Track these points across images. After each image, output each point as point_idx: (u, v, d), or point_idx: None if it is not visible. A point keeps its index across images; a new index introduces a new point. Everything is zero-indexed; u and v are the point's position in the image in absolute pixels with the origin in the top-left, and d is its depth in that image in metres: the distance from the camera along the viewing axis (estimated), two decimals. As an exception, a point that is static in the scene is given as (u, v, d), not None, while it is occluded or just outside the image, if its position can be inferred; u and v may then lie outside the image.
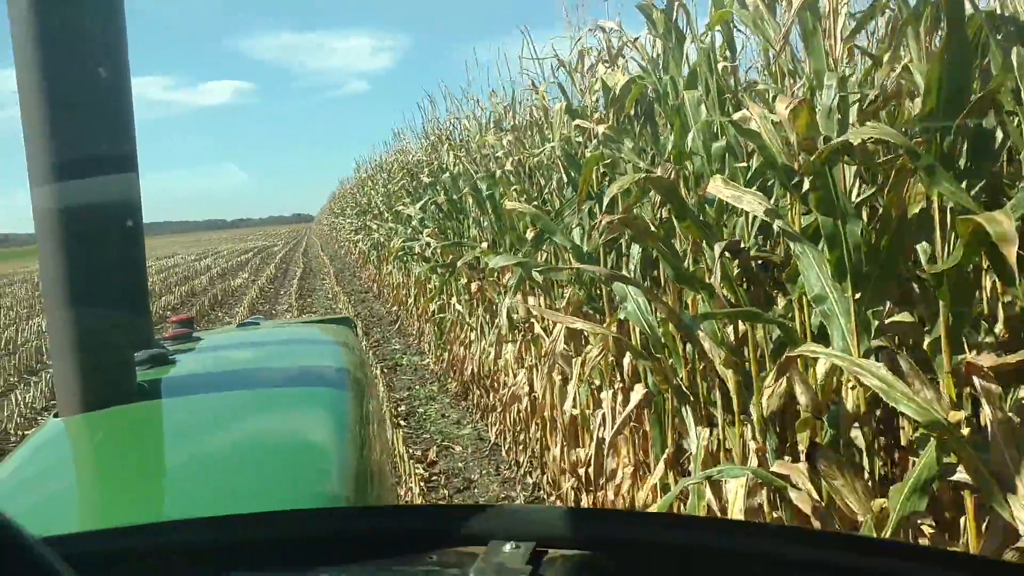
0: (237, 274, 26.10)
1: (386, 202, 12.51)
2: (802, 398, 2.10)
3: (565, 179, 3.97)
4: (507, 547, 0.66)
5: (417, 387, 8.41)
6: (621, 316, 3.16)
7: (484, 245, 5.79)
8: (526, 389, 5.08)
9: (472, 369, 6.88)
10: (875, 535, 1.83)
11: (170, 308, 17.08)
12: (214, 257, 39.85)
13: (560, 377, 4.33)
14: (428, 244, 7.50)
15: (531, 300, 4.78)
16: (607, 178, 3.44)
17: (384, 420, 6.18)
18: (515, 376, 5.28)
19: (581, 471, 4.08)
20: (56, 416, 1.44)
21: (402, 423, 7.05)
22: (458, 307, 7.15)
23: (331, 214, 37.36)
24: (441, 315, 7.75)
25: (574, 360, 4.06)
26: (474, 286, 6.16)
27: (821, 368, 2.18)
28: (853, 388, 2.10)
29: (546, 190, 4.28)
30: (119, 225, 1.47)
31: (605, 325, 3.49)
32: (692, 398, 2.78)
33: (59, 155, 1.40)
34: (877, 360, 1.89)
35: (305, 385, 1.64)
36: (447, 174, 6.99)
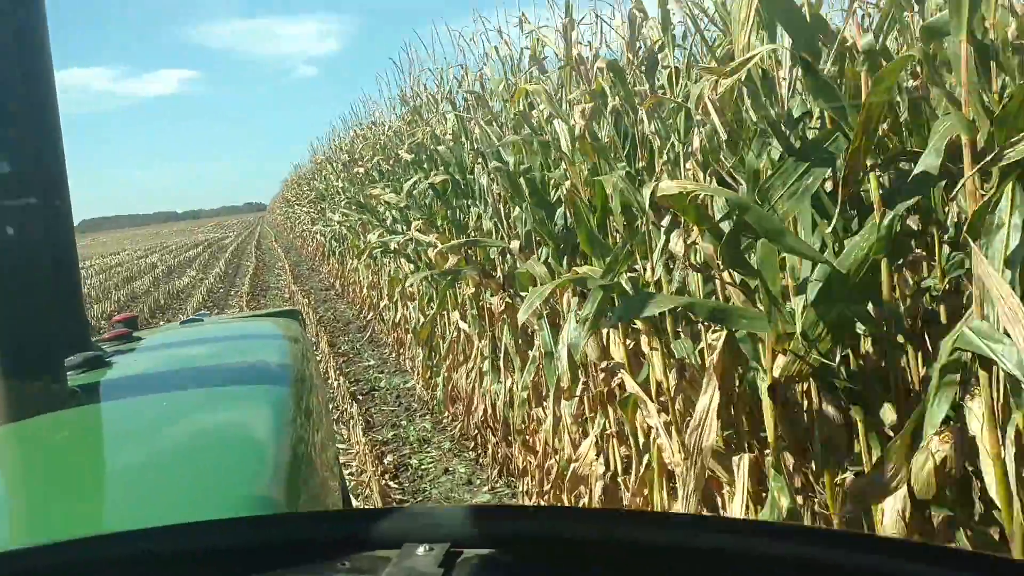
0: (184, 272, 23.87)
1: (349, 188, 10.58)
2: None
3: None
4: (420, 550, 0.65)
5: (404, 423, 6.57)
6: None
7: (515, 244, 3.95)
8: (599, 469, 3.28)
9: (485, 410, 5.07)
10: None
11: (106, 316, 14.97)
12: (162, 253, 37.35)
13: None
14: (417, 242, 5.61)
15: (616, 339, 2.96)
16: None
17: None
18: (575, 444, 3.48)
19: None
20: None
21: (391, 484, 5.21)
22: (463, 325, 5.31)
23: (284, 203, 35.18)
24: (431, 328, 5.87)
25: (736, 462, 2.27)
26: (496, 301, 4.31)
27: None
28: None
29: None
30: (44, 221, 1.41)
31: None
32: None
33: None
34: None
35: (246, 383, 1.58)
36: (442, 145, 5.11)
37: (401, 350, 8.73)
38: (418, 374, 7.34)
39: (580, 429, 3.50)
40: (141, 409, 1.44)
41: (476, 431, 5.43)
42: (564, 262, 3.56)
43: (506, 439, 4.79)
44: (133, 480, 1.18)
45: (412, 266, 6.69)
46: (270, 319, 2.47)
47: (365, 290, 10.95)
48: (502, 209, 4.28)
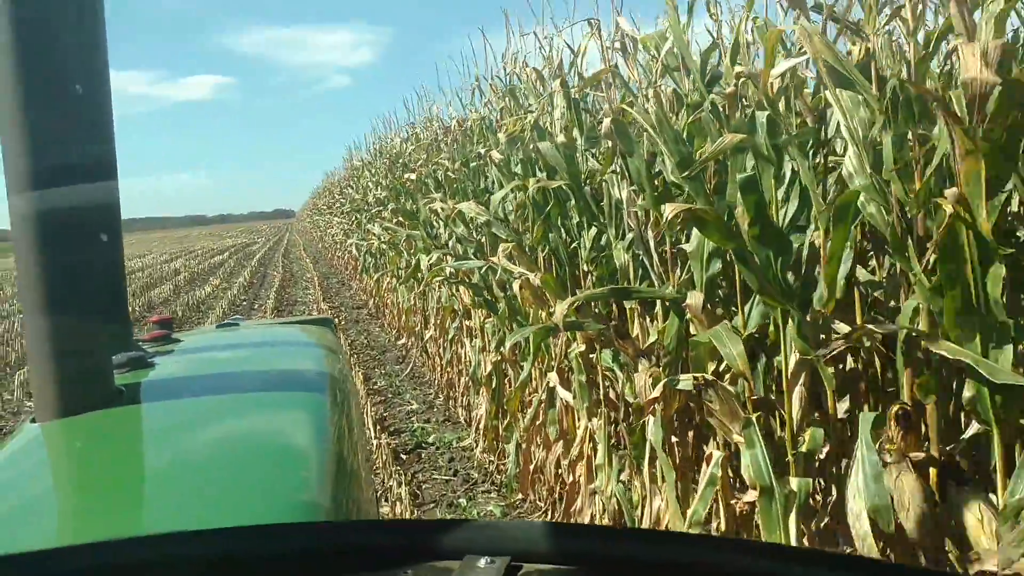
0: (208, 280, 22.59)
1: (393, 198, 9.16)
2: None
3: None
4: (482, 562, 0.65)
5: (463, 500, 5.10)
6: None
7: (695, 299, 2.48)
8: None
9: (594, 515, 3.60)
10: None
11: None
12: (187, 257, 36.21)
13: None
14: (502, 271, 4.17)
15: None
16: None
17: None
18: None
19: None
20: (33, 421, 1.40)
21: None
22: (564, 394, 3.83)
23: (314, 211, 33.90)
24: (519, 394, 4.42)
25: None
26: (645, 378, 2.82)
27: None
28: None
29: None
30: (97, 228, 1.45)
31: None
32: None
33: (36, 162, 1.37)
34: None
35: (285, 389, 1.60)
36: (546, 142, 3.65)
37: (451, 392, 7.29)
38: (477, 430, 5.88)
39: None
40: (185, 410, 1.45)
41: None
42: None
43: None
44: (179, 481, 1.17)
45: (479, 299, 5.24)
46: (304, 326, 2.45)
47: (404, 315, 9.52)
48: (651, 237, 2.82)
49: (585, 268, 3.58)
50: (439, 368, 7.83)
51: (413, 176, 7.00)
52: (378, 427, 6.43)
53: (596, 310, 3.54)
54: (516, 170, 4.32)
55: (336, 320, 12.68)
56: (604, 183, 3.21)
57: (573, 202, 3.52)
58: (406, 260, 8.82)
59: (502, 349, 5.32)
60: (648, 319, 3.05)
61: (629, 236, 3.03)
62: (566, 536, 0.71)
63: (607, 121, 2.75)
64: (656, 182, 2.84)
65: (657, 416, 2.70)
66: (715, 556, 0.64)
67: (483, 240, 5.14)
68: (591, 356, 3.61)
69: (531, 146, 3.85)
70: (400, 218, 8.14)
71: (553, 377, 3.87)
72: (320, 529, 0.85)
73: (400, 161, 8.59)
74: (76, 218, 1.40)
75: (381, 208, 9.69)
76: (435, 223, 6.89)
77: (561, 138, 3.42)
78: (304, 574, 0.69)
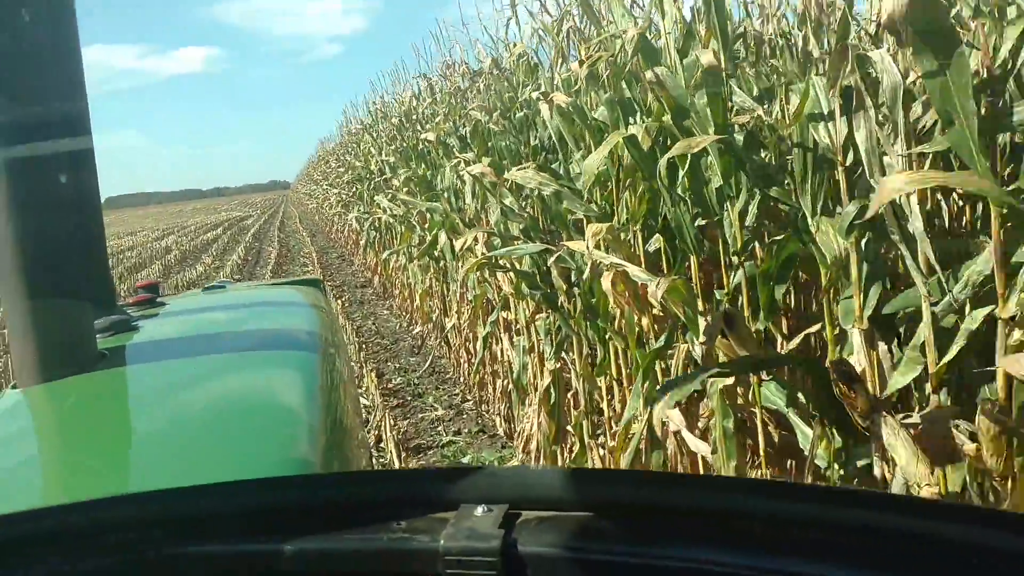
0: (200, 259, 21.30)
1: (402, 161, 7.87)
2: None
3: None
4: (479, 510, 0.64)
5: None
6: None
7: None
8: None
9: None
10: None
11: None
12: (179, 235, 34.82)
13: None
14: (577, 257, 2.94)
15: None
16: None
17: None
18: None
19: None
20: (14, 387, 1.39)
21: None
22: (693, 441, 2.60)
23: (309, 181, 32.45)
24: (623, 438, 3.23)
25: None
26: (909, 453, 1.58)
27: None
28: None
29: None
30: (72, 188, 1.42)
31: None
32: None
33: (7, 118, 1.34)
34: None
35: (274, 348, 1.57)
36: (661, 67, 2.38)
37: (482, 395, 6.09)
38: (526, 451, 4.68)
39: None
40: (171, 372, 1.42)
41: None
42: None
43: None
44: (165, 441, 1.15)
45: (533, 292, 4.00)
46: (292, 287, 2.38)
47: (419, 299, 8.28)
48: (918, 214, 1.58)
49: (732, 259, 2.35)
50: (466, 364, 6.62)
51: (431, 136, 5.71)
52: (400, 447, 5.22)
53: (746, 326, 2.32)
54: (595, 116, 3.06)
55: (339, 302, 11.47)
56: (793, 126, 1.95)
57: (713, 157, 2.27)
58: (419, 236, 7.58)
59: (565, 356, 4.11)
60: (889, 344, 1.82)
61: (851, 208, 1.79)
62: (565, 481, 0.68)
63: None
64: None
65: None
66: (718, 497, 0.63)
67: (538, 213, 3.89)
68: (738, 389, 2.41)
69: (625, 81, 2.59)
70: (413, 186, 6.86)
71: (676, 418, 2.63)
72: (310, 482, 0.83)
73: (413, 118, 7.29)
74: (51, 180, 1.37)
75: (389, 176, 8.40)
76: (461, 191, 5.64)
77: (704, 56, 2.15)
78: (295, 528, 0.66)
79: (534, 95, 3.85)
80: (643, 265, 2.75)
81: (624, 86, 2.81)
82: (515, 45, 4.44)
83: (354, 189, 13.00)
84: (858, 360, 1.84)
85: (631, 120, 2.81)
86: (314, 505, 0.70)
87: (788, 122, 2.08)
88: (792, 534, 0.58)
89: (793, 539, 0.58)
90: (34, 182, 1.35)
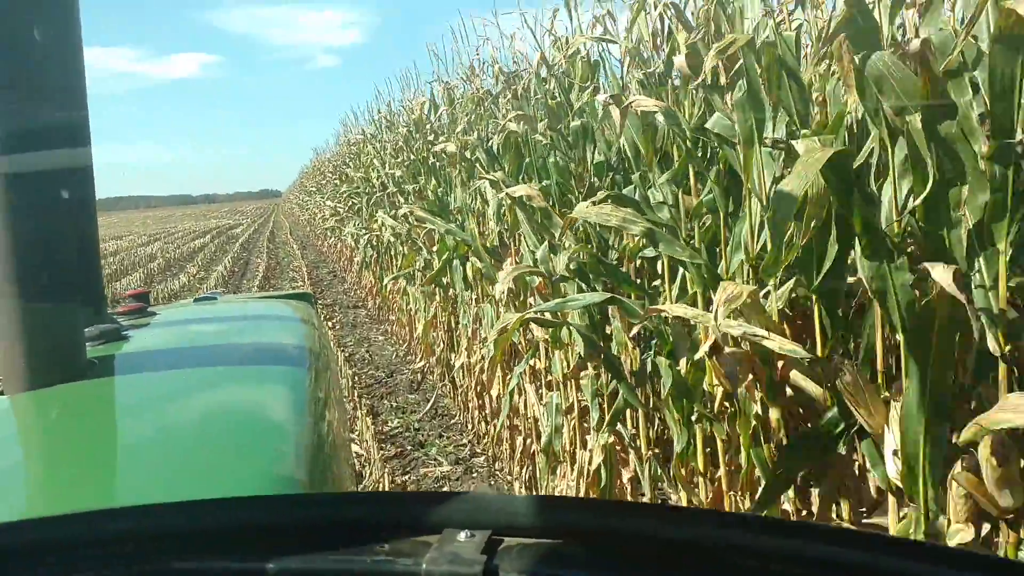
0: (184, 268, 20.37)
1: (409, 176, 7.03)
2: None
3: None
4: (462, 535, 0.63)
5: None
6: None
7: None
8: None
9: None
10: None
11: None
12: (166, 240, 33.84)
13: None
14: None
15: None
16: None
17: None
18: None
19: None
20: (1, 394, 1.34)
21: None
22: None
23: (302, 191, 31.52)
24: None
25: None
26: None
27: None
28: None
29: None
30: (69, 196, 1.38)
31: None
32: None
33: (4, 125, 1.30)
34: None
35: (262, 363, 1.57)
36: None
37: (497, 452, 5.23)
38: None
39: None
40: (158, 383, 1.42)
41: None
42: None
43: None
44: (150, 454, 1.14)
45: (591, 351, 3.15)
46: (283, 301, 2.36)
47: (420, 328, 7.42)
48: None
49: (988, 337, 1.52)
50: (476, 410, 5.77)
51: (452, 147, 4.88)
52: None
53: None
54: (708, 126, 2.24)
55: (329, 324, 10.61)
56: None
57: (972, 182, 1.44)
58: (424, 259, 6.74)
59: (623, 429, 3.27)
60: None
61: None
62: (549, 509, 0.69)
63: None
64: None
65: None
66: (701, 530, 0.62)
67: (598, 251, 3.06)
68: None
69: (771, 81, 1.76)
70: (423, 204, 6.02)
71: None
72: (294, 501, 0.83)
73: (425, 128, 6.45)
74: (48, 185, 1.34)
75: (394, 191, 7.56)
76: (483, 212, 4.82)
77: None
78: (277, 547, 0.65)
79: (598, 99, 3.04)
80: (788, 335, 1.94)
81: (762, 87, 2.00)
82: (566, 40, 3.63)
83: (351, 203, 12.16)
84: None
85: (766, 132, 2.00)
86: (298, 524, 0.68)
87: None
88: (774, 570, 0.58)
89: (773, 574, 0.58)
90: (30, 188, 1.32)
